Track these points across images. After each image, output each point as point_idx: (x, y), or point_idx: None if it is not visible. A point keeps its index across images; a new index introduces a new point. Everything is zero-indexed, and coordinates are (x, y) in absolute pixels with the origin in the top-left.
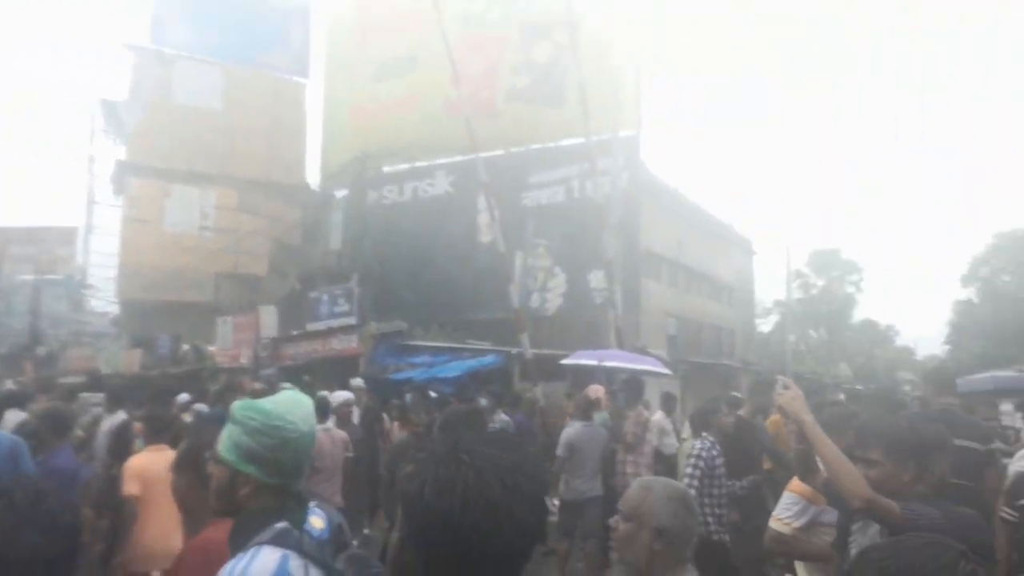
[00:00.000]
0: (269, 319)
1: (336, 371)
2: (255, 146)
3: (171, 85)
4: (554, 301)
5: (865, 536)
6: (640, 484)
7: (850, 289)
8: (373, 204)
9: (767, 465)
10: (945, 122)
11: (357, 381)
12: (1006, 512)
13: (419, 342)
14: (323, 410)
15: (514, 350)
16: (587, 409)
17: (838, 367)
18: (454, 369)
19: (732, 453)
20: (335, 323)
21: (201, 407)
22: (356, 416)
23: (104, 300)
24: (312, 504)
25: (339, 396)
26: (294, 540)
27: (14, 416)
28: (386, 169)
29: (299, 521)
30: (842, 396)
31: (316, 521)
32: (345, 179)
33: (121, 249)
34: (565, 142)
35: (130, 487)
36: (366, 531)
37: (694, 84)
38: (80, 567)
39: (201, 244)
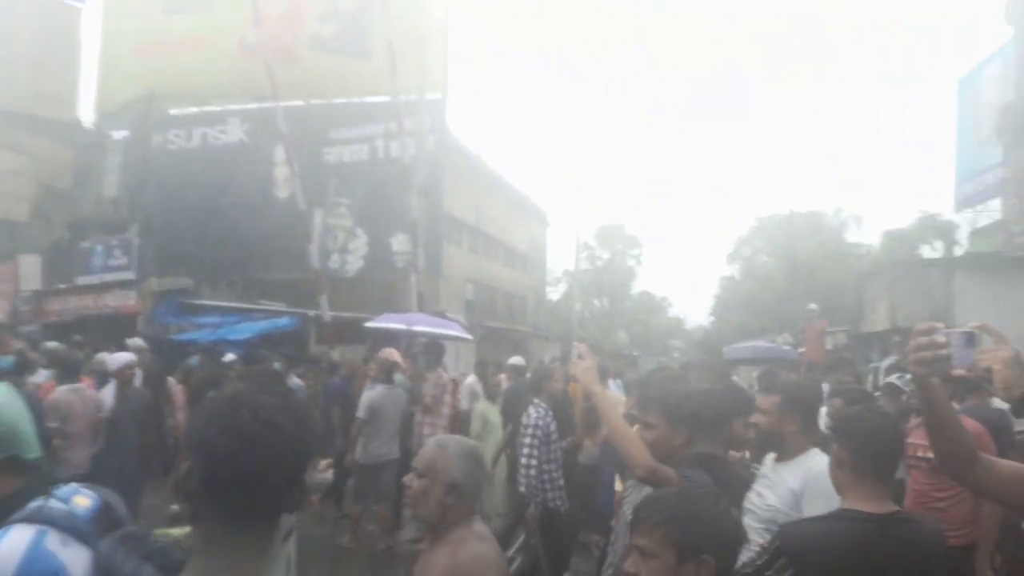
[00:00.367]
0: (31, 270)
1: (110, 330)
2: (17, 75)
3: None
4: (355, 263)
5: (639, 494)
6: (435, 442)
7: (631, 262)
8: (157, 149)
9: None
10: (719, 112)
11: (136, 341)
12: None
13: (206, 301)
14: (72, 369)
15: (311, 312)
16: (389, 372)
17: (617, 334)
18: (244, 331)
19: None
20: (110, 277)
21: None
22: (139, 379)
23: None
24: (76, 485)
25: (120, 358)
26: (49, 515)
27: None
28: (173, 112)
29: (48, 496)
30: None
31: (81, 500)
32: (125, 119)
33: None
34: (371, 99)
35: None
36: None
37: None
38: None
39: None
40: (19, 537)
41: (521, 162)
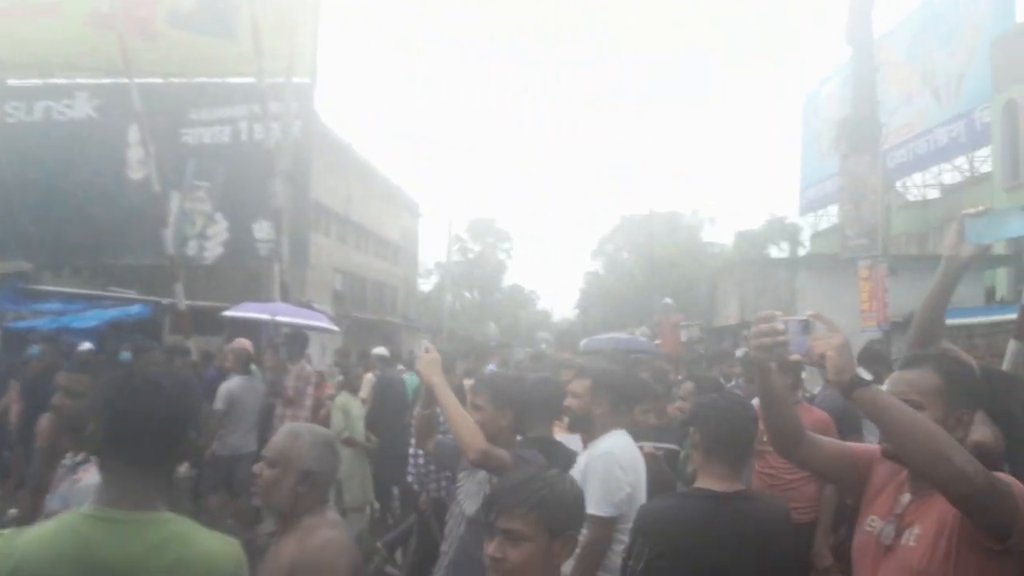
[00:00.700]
0: None
1: None
2: None
3: None
4: (214, 249)
5: (473, 481)
6: (287, 431)
7: (502, 256)
8: None
9: None
10: (590, 113)
11: None
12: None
13: (48, 287)
14: None
15: (165, 300)
16: (246, 362)
17: (487, 326)
18: (92, 319)
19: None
20: None
21: None
22: None
23: None
24: None
25: None
26: None
27: None
28: (11, 82)
29: None
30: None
31: None
32: None
33: None
34: (234, 80)
35: None
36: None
37: (372, 42)
38: None
39: None
40: None
41: (394, 153)
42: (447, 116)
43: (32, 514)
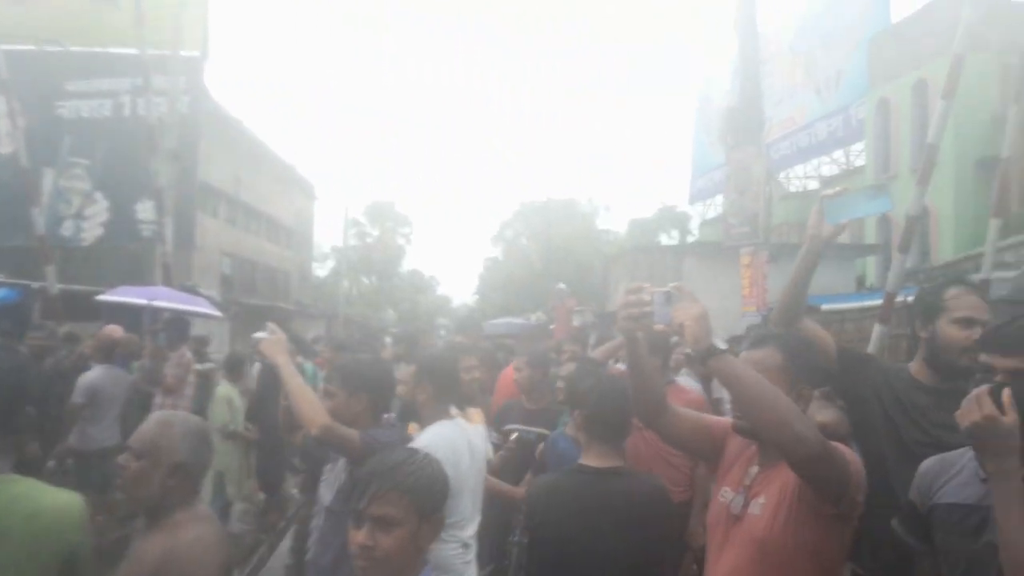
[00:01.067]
0: None
1: None
2: None
3: None
4: (93, 231)
5: (334, 472)
6: (157, 419)
7: (401, 241)
8: None
9: None
10: (487, 97)
11: None
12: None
13: None
14: None
15: (36, 284)
16: (110, 350)
17: (386, 312)
18: None
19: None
20: None
21: None
22: None
23: None
24: None
25: None
26: None
27: None
28: None
29: None
30: (388, 339)
31: None
32: None
33: None
34: (116, 50)
35: None
36: None
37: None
38: None
39: None
40: None
41: (289, 132)
42: (345, 96)
43: None
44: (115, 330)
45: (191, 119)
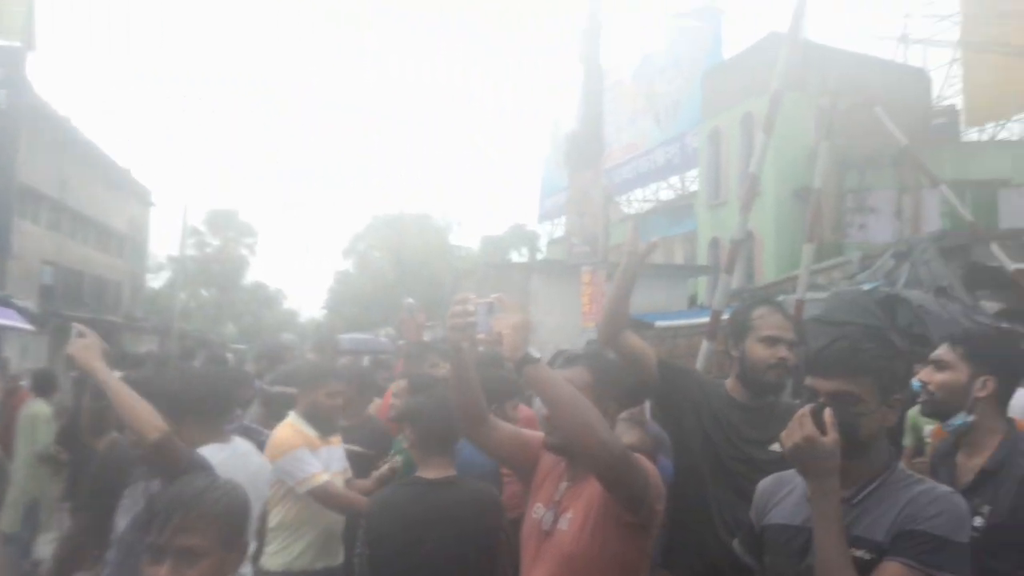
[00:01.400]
0: None
1: None
2: None
3: None
4: None
5: (133, 497)
6: None
7: (244, 251)
8: None
9: None
10: (338, 105)
11: None
12: None
13: None
14: None
15: None
16: None
17: (226, 326)
18: None
19: None
20: None
21: None
22: None
23: None
24: None
25: None
26: None
27: None
28: None
29: None
30: (229, 355)
31: None
32: None
33: None
34: None
35: None
36: None
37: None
38: None
39: None
40: None
41: (124, 134)
42: (186, 98)
43: None
44: None
45: (10, 114)
